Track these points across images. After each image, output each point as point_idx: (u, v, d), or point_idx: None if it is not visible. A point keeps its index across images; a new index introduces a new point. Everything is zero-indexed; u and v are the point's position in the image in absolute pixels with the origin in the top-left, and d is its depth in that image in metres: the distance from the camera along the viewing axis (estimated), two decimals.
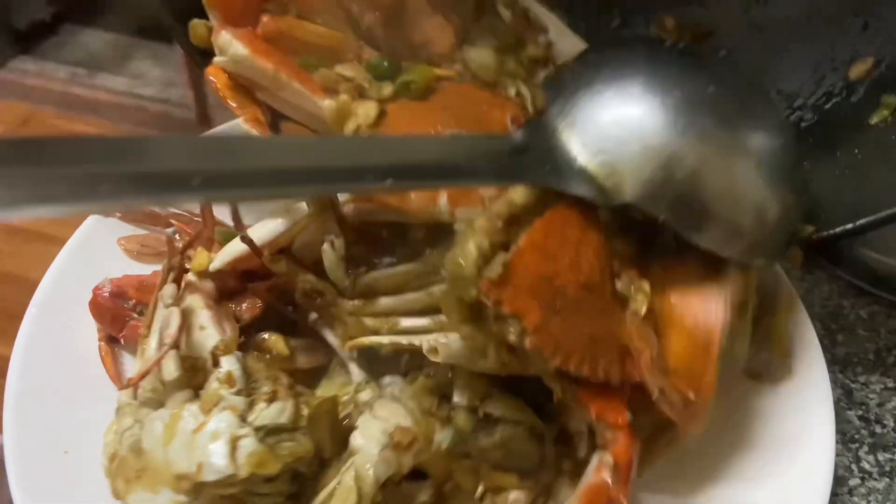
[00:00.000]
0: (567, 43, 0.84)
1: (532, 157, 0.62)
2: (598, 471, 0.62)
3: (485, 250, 0.59)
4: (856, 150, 0.83)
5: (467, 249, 0.58)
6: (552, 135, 0.64)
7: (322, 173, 0.50)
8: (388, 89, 0.73)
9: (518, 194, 0.62)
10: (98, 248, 0.81)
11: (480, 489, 0.64)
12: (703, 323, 0.66)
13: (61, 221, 0.85)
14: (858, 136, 0.84)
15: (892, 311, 0.99)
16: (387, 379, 0.70)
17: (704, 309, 0.67)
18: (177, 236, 0.79)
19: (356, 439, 0.64)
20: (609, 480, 0.61)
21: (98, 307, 0.74)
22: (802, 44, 0.89)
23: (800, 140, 0.87)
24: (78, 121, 1.43)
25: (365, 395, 0.68)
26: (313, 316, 0.72)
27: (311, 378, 0.74)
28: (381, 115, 0.71)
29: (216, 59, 0.73)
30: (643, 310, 0.64)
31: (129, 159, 0.41)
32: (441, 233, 0.67)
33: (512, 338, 0.58)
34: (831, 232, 0.79)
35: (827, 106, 0.88)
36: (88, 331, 0.75)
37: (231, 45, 0.70)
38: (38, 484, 0.65)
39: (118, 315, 0.74)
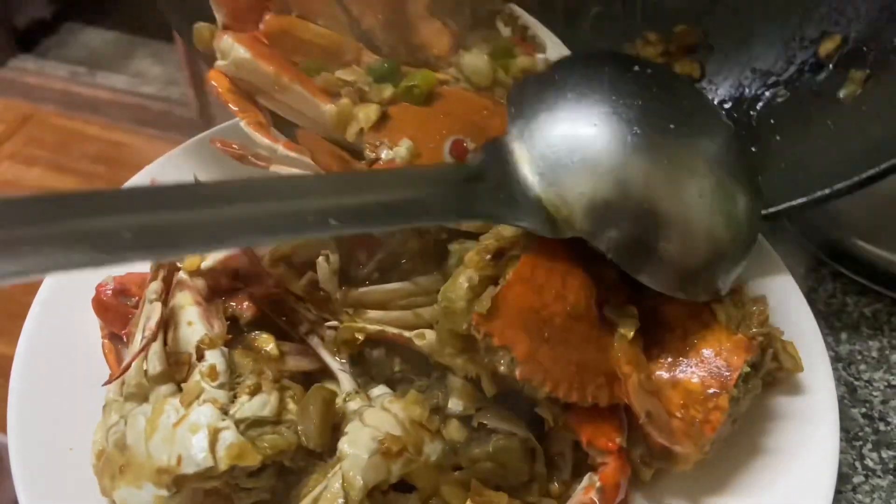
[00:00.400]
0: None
1: (487, 186, 0.61)
2: (587, 492, 0.63)
3: (475, 284, 0.61)
4: (829, 122, 0.85)
5: (458, 283, 0.61)
6: (508, 159, 0.64)
7: (251, 223, 0.46)
8: (388, 91, 0.74)
9: (507, 228, 0.64)
10: None
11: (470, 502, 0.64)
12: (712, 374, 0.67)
13: None
14: (830, 109, 0.85)
15: None
16: (377, 390, 0.69)
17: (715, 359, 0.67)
18: None
19: (344, 445, 0.63)
20: (596, 501, 0.62)
21: (101, 304, 0.73)
22: (774, 24, 0.91)
23: (775, 115, 0.90)
24: (79, 119, 1.42)
25: (354, 405, 0.67)
26: (304, 327, 0.72)
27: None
28: (384, 118, 0.72)
29: (218, 63, 0.72)
30: (631, 334, 0.66)
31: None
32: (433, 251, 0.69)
33: (502, 368, 0.60)
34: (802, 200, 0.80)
35: (798, 82, 0.90)
36: (92, 328, 0.75)
37: (233, 48, 0.70)
38: (42, 483, 0.65)
39: (121, 312, 0.73)
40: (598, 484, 0.63)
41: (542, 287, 0.62)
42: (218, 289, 0.71)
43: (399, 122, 0.72)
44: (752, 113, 0.92)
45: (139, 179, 0.87)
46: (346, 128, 0.72)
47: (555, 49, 0.85)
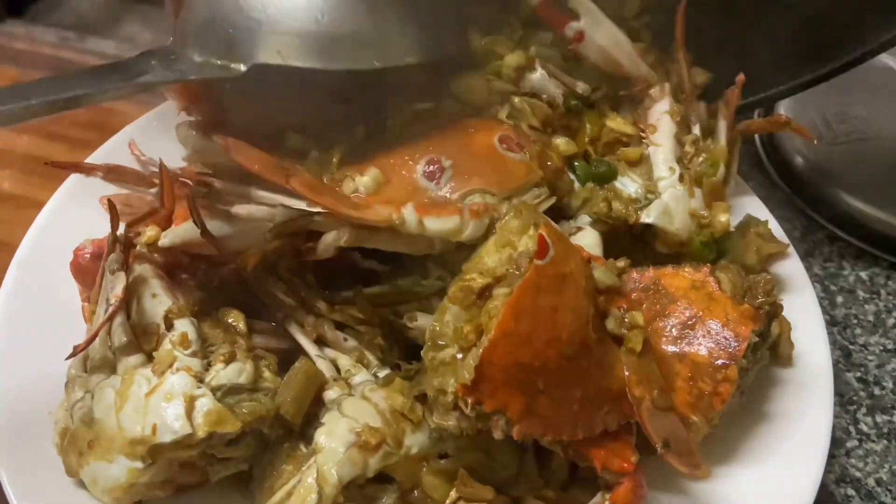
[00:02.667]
0: (601, 32, 0.79)
1: (160, 55, 0.66)
2: None
3: (460, 328, 0.57)
4: None
5: (444, 321, 0.58)
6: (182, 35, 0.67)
7: None
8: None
9: (491, 257, 0.60)
10: (79, 208, 0.78)
11: (453, 495, 0.59)
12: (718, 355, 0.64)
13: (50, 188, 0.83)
14: None
15: (892, 272, 0.94)
16: (358, 377, 0.65)
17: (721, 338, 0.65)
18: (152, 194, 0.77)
19: (321, 437, 0.58)
20: None
21: (79, 268, 0.71)
22: None
23: None
24: None
25: (333, 394, 0.63)
26: (281, 313, 0.69)
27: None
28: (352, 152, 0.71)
29: (183, 156, 0.71)
30: (639, 346, 0.61)
31: None
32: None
33: (498, 432, 0.56)
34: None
35: None
36: (71, 290, 0.72)
37: (189, 137, 0.70)
38: (21, 445, 0.63)
39: None
40: None
41: (530, 337, 0.56)
42: (177, 266, 0.68)
43: (369, 152, 0.71)
44: None
45: (120, 139, 0.85)
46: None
47: (590, 17, 0.79)
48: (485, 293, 0.59)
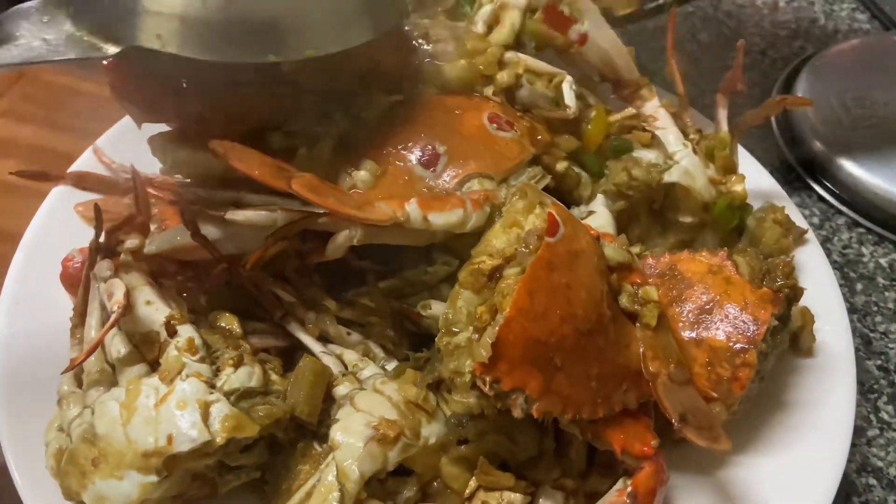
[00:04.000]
0: (602, 35, 0.80)
1: (33, 16, 0.61)
2: (621, 493, 0.58)
3: (473, 312, 0.57)
4: None
5: (458, 308, 0.57)
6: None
7: None
8: (338, 126, 0.70)
9: (499, 239, 0.60)
10: (63, 222, 0.77)
11: (473, 484, 0.59)
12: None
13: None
14: None
15: None
16: (367, 371, 0.64)
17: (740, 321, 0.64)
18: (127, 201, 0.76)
19: (337, 434, 0.57)
20: (629, 503, 0.57)
21: (69, 278, 0.71)
22: None
23: None
24: (72, 76, 1.38)
25: (344, 389, 0.62)
26: (280, 313, 0.68)
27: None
28: (344, 146, 0.69)
29: (161, 168, 0.68)
30: (654, 321, 0.61)
31: None
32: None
33: (518, 411, 0.55)
34: None
35: None
36: (65, 303, 0.72)
37: (166, 153, 0.67)
38: (29, 431, 0.62)
39: None
40: (629, 489, 0.58)
41: (546, 313, 0.56)
42: (164, 274, 0.67)
43: (361, 146, 0.69)
44: None
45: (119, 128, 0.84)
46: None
47: (592, 20, 0.79)
48: (495, 275, 0.59)
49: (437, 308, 0.64)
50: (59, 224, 0.77)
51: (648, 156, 0.77)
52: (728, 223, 0.75)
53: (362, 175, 0.67)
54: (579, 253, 0.59)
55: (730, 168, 0.79)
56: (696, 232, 0.75)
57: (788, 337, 0.69)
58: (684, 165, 0.75)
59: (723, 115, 0.82)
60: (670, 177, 0.74)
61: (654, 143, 0.79)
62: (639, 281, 0.62)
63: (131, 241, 0.65)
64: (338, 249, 0.63)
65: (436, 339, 0.59)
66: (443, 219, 0.64)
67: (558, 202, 0.63)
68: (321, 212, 0.61)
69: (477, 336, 0.56)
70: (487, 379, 0.54)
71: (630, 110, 0.82)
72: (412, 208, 0.63)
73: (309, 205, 0.61)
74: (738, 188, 0.77)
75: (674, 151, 0.77)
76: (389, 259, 0.68)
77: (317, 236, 0.64)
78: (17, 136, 1.16)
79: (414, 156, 0.68)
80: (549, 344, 0.56)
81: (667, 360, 0.60)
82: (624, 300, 0.61)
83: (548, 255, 0.57)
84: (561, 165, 0.74)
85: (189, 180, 0.70)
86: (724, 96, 0.82)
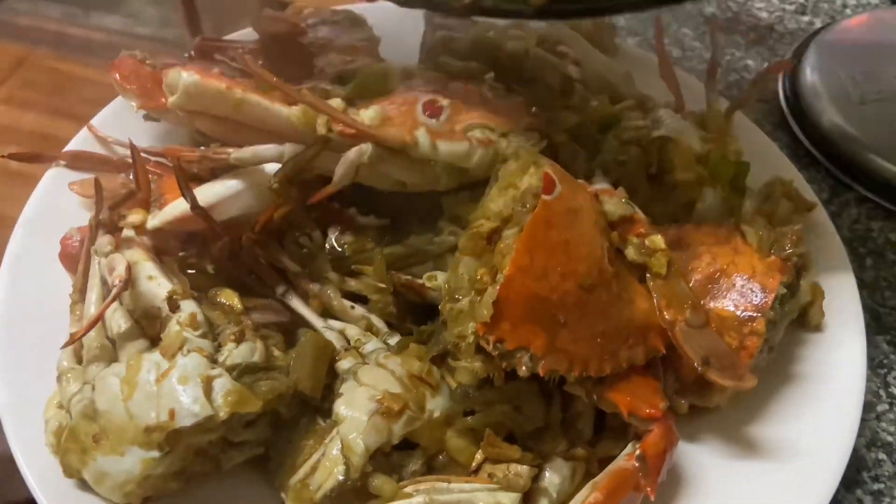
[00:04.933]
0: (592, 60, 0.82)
1: None
2: (629, 457, 0.58)
3: (474, 276, 0.57)
4: None
5: (459, 275, 0.58)
6: None
7: None
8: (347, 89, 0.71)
9: (495, 202, 0.60)
10: (60, 202, 0.77)
11: (479, 456, 0.59)
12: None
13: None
14: None
15: None
16: (369, 345, 0.64)
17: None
18: (129, 177, 0.75)
19: (341, 407, 0.58)
20: (638, 466, 0.57)
21: (69, 257, 0.71)
22: None
23: None
24: (73, 62, 1.39)
25: (347, 363, 0.62)
26: (281, 288, 0.68)
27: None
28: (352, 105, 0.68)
29: (171, 100, 0.67)
30: (664, 269, 0.61)
31: None
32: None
33: (524, 369, 0.56)
34: None
35: None
36: (64, 282, 0.71)
37: (179, 76, 0.65)
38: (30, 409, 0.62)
39: None
40: (637, 452, 0.58)
41: (546, 270, 0.56)
42: (165, 251, 0.67)
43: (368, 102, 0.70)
44: None
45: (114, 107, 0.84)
46: (314, 125, 0.66)
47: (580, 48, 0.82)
48: (494, 237, 0.59)
49: (443, 279, 0.64)
50: (55, 204, 0.76)
51: (636, 122, 0.77)
52: (725, 174, 0.74)
53: (370, 113, 0.67)
54: (577, 210, 0.59)
55: (723, 134, 0.79)
56: (696, 191, 0.74)
57: (798, 306, 0.68)
58: (670, 123, 0.76)
59: (713, 95, 0.82)
60: (658, 131, 0.74)
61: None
62: (643, 231, 0.62)
63: (133, 216, 0.65)
64: (347, 171, 0.63)
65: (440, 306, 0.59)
66: (450, 148, 0.66)
67: (554, 162, 0.63)
68: (331, 137, 0.62)
69: (479, 298, 0.56)
70: (491, 339, 0.54)
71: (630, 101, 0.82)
72: (421, 134, 0.65)
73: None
74: (732, 147, 0.77)
75: (659, 116, 0.78)
76: (395, 227, 0.68)
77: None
78: (19, 122, 1.17)
79: (419, 107, 0.69)
80: (551, 301, 0.56)
81: (681, 307, 0.60)
82: (631, 252, 0.61)
83: (545, 213, 0.57)
84: (560, 137, 0.74)
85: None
86: (711, 77, 0.82)
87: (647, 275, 0.62)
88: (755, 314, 0.63)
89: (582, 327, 0.57)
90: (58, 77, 1.32)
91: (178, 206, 0.64)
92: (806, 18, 1.20)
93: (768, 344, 0.64)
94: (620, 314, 0.59)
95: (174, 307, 0.60)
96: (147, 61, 0.77)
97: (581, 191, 0.62)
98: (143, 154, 0.69)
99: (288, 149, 0.62)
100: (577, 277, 0.57)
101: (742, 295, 0.64)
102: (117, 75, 0.75)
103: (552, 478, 0.60)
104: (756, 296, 0.64)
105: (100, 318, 0.60)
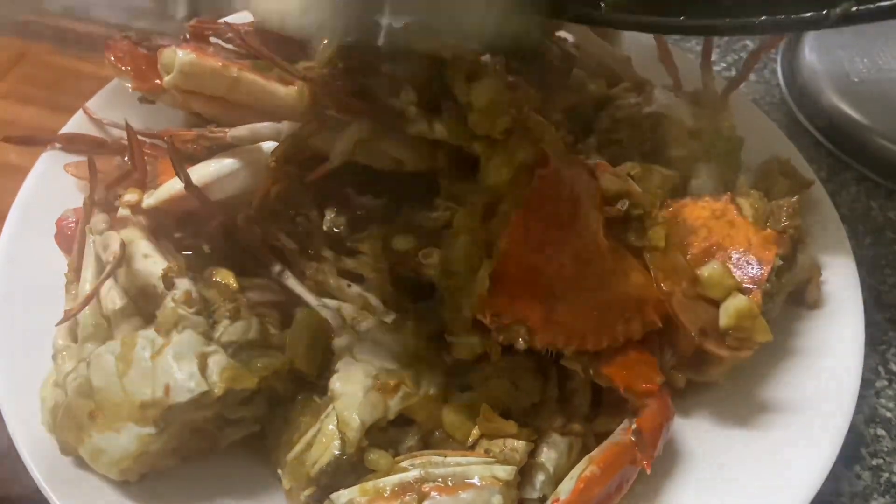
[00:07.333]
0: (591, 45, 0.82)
1: None
2: (626, 432, 0.59)
3: (471, 252, 0.57)
4: None
5: (455, 251, 0.57)
6: None
7: None
8: None
9: (488, 177, 0.59)
10: (56, 183, 0.77)
11: (475, 433, 0.59)
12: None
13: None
14: None
15: None
16: (365, 324, 0.64)
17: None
18: (124, 159, 0.75)
19: (336, 384, 0.58)
20: (634, 441, 0.58)
21: (64, 238, 0.71)
22: None
23: None
24: (73, 57, 1.39)
25: (342, 341, 0.62)
26: (277, 267, 0.68)
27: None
28: None
29: (165, 79, 0.65)
30: (662, 242, 0.62)
31: None
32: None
33: (521, 343, 0.56)
34: None
35: None
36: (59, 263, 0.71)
37: (175, 55, 0.64)
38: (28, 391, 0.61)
39: None
40: (634, 427, 0.58)
41: (541, 243, 0.57)
42: (161, 230, 0.67)
43: None
44: None
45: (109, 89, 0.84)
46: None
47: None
48: (489, 213, 0.58)
49: (439, 256, 0.64)
50: (51, 187, 0.76)
51: (629, 100, 0.78)
52: (719, 147, 0.75)
53: None
54: (572, 184, 0.59)
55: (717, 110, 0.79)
56: (690, 168, 0.74)
57: (794, 279, 0.68)
58: (662, 99, 0.76)
59: (708, 74, 0.82)
60: (650, 108, 0.74)
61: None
62: (639, 204, 0.63)
63: (129, 195, 0.65)
64: (344, 148, 0.63)
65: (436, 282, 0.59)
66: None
67: (554, 134, 0.63)
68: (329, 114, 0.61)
69: (475, 274, 0.56)
70: (488, 313, 0.55)
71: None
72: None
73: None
74: (725, 122, 0.77)
75: (653, 94, 0.78)
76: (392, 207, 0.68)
77: None
78: (20, 116, 1.17)
79: None
80: (547, 274, 0.56)
81: (679, 278, 0.61)
82: (632, 227, 0.62)
83: (540, 187, 0.57)
84: (556, 115, 0.74)
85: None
86: (706, 57, 0.82)
87: (644, 247, 0.62)
88: (752, 286, 0.63)
89: (578, 301, 0.58)
90: (58, 72, 1.32)
91: (173, 186, 0.64)
92: None
93: (765, 317, 0.64)
94: (616, 288, 0.60)
95: (169, 285, 0.60)
96: (142, 43, 0.77)
97: (577, 164, 0.62)
98: (138, 136, 0.70)
99: (285, 126, 0.62)
100: (573, 251, 0.58)
101: (738, 268, 0.64)
102: (112, 57, 0.75)
103: (549, 453, 0.60)
104: (752, 268, 0.64)
105: (94, 295, 0.60)
